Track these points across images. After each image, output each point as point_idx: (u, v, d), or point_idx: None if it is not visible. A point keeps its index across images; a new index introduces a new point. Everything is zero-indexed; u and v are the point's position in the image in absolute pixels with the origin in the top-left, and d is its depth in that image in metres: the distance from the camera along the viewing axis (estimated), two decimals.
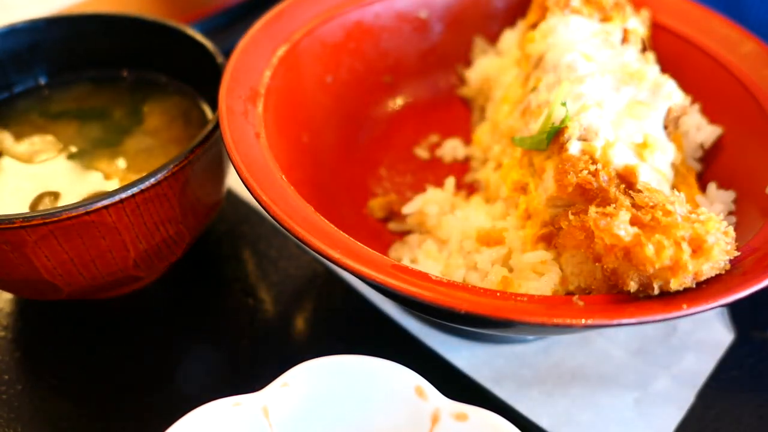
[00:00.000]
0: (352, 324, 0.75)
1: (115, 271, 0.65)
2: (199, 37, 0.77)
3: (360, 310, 0.75)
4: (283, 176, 0.60)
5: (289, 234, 0.54)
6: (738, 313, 0.75)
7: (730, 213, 0.67)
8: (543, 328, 0.60)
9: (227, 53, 0.71)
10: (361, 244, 0.54)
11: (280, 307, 0.76)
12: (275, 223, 0.54)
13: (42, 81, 0.83)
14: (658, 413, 0.66)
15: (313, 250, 0.52)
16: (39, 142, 0.75)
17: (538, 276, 0.62)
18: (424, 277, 0.51)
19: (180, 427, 0.48)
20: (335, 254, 0.51)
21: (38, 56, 0.81)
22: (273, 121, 0.68)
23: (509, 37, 0.89)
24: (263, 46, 0.73)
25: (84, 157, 0.74)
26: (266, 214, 0.55)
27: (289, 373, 0.51)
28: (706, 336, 0.73)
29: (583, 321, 0.47)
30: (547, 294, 0.60)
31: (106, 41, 0.83)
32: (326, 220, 0.56)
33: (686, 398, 0.68)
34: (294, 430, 0.51)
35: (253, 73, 0.70)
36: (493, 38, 0.93)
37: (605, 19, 0.78)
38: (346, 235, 0.54)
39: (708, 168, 0.73)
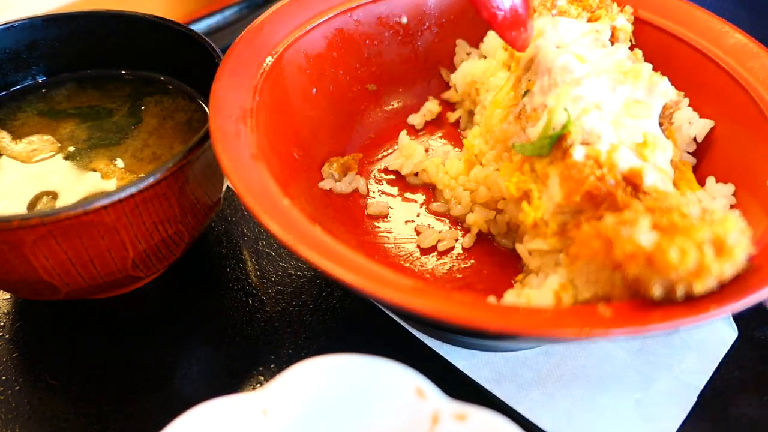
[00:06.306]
0: (352, 324, 0.74)
1: (113, 271, 0.65)
2: (199, 36, 0.77)
3: (360, 310, 0.75)
4: (288, 200, 0.57)
5: (303, 260, 0.52)
6: (740, 312, 0.75)
7: (732, 207, 0.67)
8: (573, 341, 0.58)
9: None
10: (379, 265, 0.52)
11: (280, 307, 0.76)
12: (286, 248, 0.53)
13: (40, 79, 0.83)
14: (660, 414, 0.66)
15: (329, 276, 0.51)
16: (37, 141, 0.75)
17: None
18: (447, 296, 0.49)
19: (178, 426, 0.47)
20: (352, 279, 0.50)
21: (37, 54, 0.81)
22: (266, 140, 0.66)
23: (492, 39, 0.89)
24: (248, 61, 0.71)
25: (82, 156, 0.74)
26: (274, 239, 0.54)
27: (289, 372, 0.50)
28: (708, 336, 0.73)
29: (615, 330, 0.46)
30: (547, 301, 0.59)
31: (105, 40, 0.82)
32: (337, 242, 0.54)
33: (688, 399, 0.67)
34: (293, 430, 0.50)
35: (241, 90, 0.67)
36: (475, 41, 0.92)
37: (593, 18, 0.77)
38: (361, 256, 0.53)
39: (702, 161, 0.73)
